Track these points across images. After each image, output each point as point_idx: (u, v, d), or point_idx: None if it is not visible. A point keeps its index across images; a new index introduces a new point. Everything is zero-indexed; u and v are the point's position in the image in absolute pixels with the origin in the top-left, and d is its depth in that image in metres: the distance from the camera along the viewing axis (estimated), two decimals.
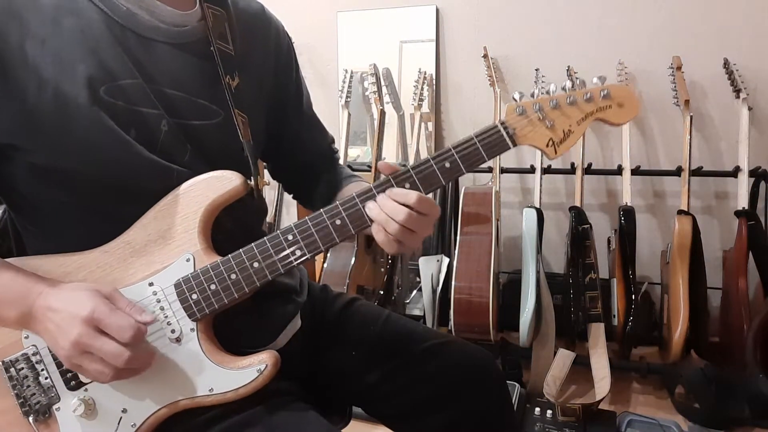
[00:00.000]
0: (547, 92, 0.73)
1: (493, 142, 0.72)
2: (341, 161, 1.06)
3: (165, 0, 0.73)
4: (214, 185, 0.72)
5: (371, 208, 0.71)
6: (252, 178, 0.78)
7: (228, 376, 0.71)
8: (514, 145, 0.72)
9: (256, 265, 0.71)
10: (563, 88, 0.73)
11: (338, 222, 0.71)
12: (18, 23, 0.65)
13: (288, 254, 0.71)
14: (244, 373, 0.71)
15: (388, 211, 0.69)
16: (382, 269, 2.03)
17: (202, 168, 0.73)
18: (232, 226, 0.77)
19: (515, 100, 0.73)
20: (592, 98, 0.72)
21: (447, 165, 0.72)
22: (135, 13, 0.71)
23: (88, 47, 0.67)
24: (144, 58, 0.71)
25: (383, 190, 0.71)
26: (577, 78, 2.05)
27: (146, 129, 0.70)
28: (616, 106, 0.73)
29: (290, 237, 0.71)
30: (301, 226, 0.72)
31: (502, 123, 0.72)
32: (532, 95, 0.74)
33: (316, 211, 0.99)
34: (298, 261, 0.72)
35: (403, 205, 0.69)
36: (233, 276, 0.71)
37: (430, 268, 2.03)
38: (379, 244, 0.71)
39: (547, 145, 0.73)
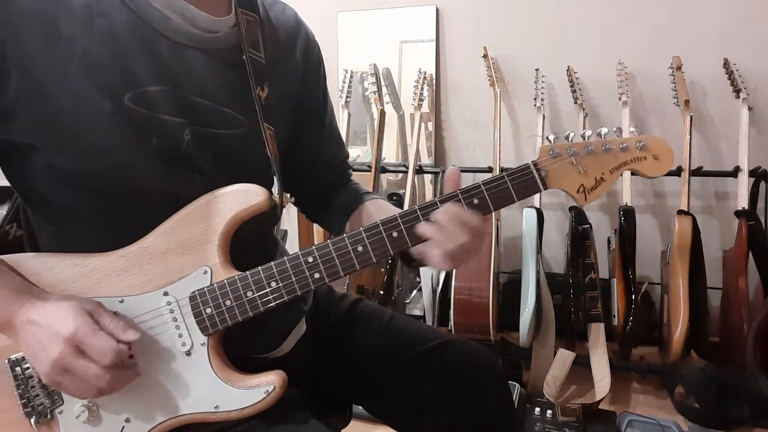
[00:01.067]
0: (582, 137, 0.72)
1: (525, 183, 0.71)
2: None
3: (199, 5, 0.71)
4: (239, 199, 0.71)
5: (426, 228, 0.69)
6: (277, 193, 0.76)
7: (235, 395, 0.70)
8: (545, 188, 0.71)
9: (273, 284, 0.70)
10: (598, 134, 0.72)
11: (360, 248, 0.70)
12: (46, 23, 0.63)
13: (306, 277, 0.70)
14: (251, 393, 0.70)
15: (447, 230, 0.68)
16: (382, 269, 2.02)
17: (223, 177, 0.71)
18: (247, 236, 0.75)
19: (549, 142, 0.72)
20: (627, 148, 0.71)
21: (475, 201, 0.70)
22: (168, 17, 0.69)
23: (117, 50, 0.65)
24: (173, 63, 0.69)
25: (413, 219, 0.70)
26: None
27: (169, 137, 0.69)
28: (651, 159, 0.71)
29: (310, 259, 0.70)
30: (323, 249, 0.70)
31: (535, 164, 0.71)
32: (567, 138, 0.72)
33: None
34: (317, 285, 0.71)
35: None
36: (249, 293, 0.70)
37: (430, 268, 2.03)
38: (434, 265, 0.70)
39: (578, 191, 0.72)
